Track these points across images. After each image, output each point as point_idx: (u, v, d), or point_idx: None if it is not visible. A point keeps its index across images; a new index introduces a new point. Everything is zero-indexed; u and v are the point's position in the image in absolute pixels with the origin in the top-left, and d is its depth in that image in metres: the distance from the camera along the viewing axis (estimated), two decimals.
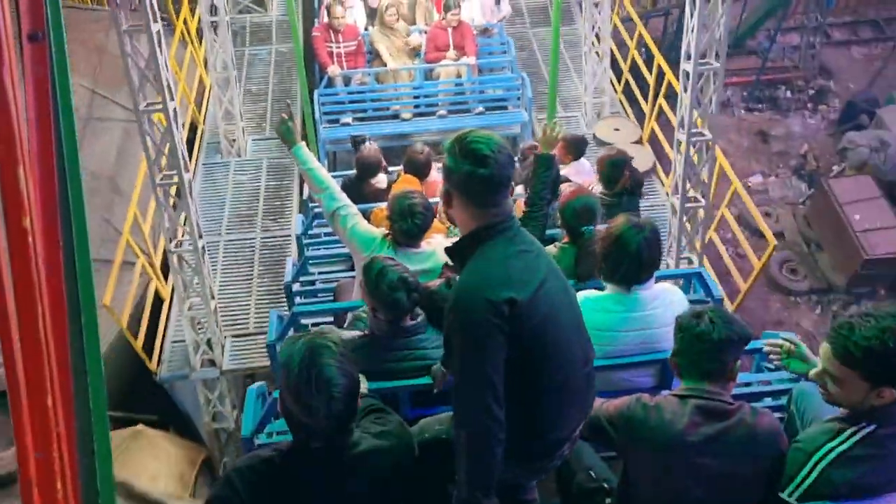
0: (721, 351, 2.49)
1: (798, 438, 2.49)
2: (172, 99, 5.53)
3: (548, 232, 4.58)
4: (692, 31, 5.60)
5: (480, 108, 8.62)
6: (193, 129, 8.68)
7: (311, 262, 5.49)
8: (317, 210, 6.17)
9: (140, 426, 6.08)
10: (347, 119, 8.44)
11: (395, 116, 8.62)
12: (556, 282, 2.41)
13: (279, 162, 8.33)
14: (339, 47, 8.42)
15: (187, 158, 5.73)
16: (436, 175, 5.76)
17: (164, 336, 6.50)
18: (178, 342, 6.42)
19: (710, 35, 5.61)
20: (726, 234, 8.35)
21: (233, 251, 7.36)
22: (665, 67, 7.71)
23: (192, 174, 8.05)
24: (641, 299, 3.22)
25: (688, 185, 6.14)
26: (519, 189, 5.22)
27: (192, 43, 8.75)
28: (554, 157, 4.18)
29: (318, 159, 7.43)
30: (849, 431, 2.34)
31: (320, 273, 5.57)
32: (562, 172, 5.43)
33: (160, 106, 5.44)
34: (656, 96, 8.04)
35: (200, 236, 5.97)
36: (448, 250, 2.45)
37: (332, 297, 5.02)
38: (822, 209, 10.24)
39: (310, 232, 6.05)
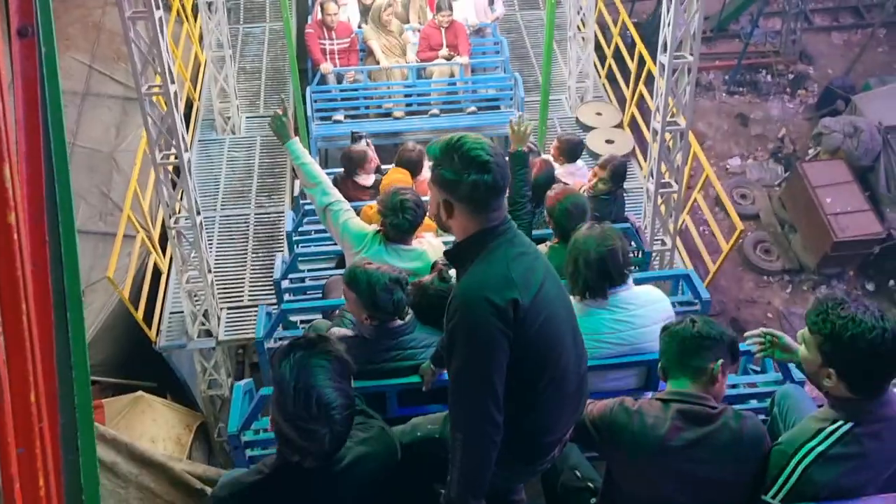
0: (700, 347, 2.50)
1: (780, 440, 2.48)
2: (173, 82, 5.78)
3: (535, 233, 4.60)
4: (668, 25, 5.91)
5: (473, 108, 8.67)
6: (189, 104, 8.92)
7: (300, 259, 5.51)
8: (307, 207, 6.14)
9: (140, 392, 6.43)
10: (339, 116, 8.45)
11: (388, 115, 8.64)
12: (553, 284, 2.41)
13: (272, 140, 8.55)
14: (332, 44, 8.43)
15: (186, 139, 6.00)
16: (427, 173, 5.71)
17: (162, 307, 6.82)
18: (177, 313, 6.74)
19: (684, 29, 5.93)
20: (703, 215, 8.69)
21: (228, 226, 7.66)
22: (645, 55, 8.01)
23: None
24: (621, 301, 3.25)
25: (663, 171, 6.49)
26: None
27: (187, 21, 8.94)
28: (527, 153, 4.21)
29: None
30: (827, 430, 2.34)
31: (310, 270, 5.58)
32: (556, 173, 5.52)
33: (161, 89, 5.71)
34: (637, 82, 8.33)
35: (198, 213, 6.25)
36: (448, 255, 2.44)
37: (321, 295, 4.97)
38: (796, 192, 10.60)
39: (300, 229, 6.05)
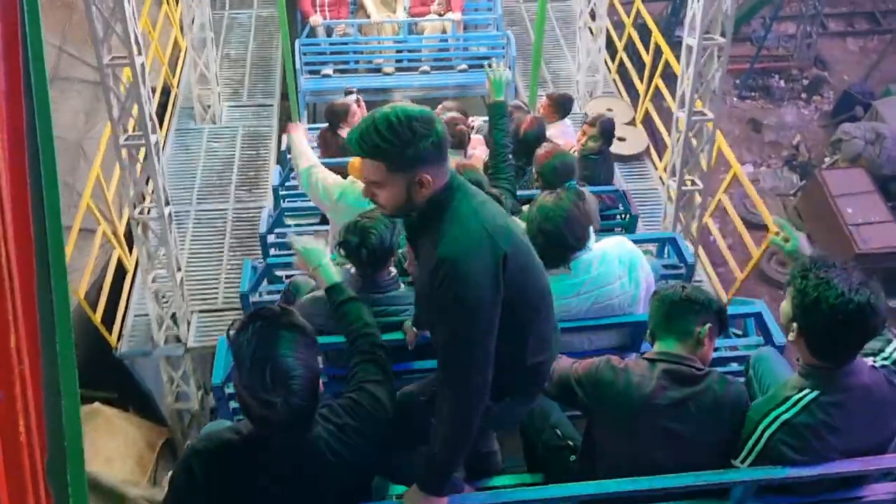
0: (687, 310, 2.53)
1: (751, 405, 2.50)
2: (140, 53, 5.12)
3: (524, 193, 4.53)
4: (697, 1, 5.28)
5: (464, 66, 8.53)
6: (167, 93, 8.26)
7: (287, 213, 5.42)
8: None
9: (96, 404, 5.72)
10: (328, 71, 8.30)
11: (378, 70, 8.50)
12: (516, 227, 2.44)
13: (256, 130, 7.94)
14: None
15: (155, 118, 5.33)
16: None
17: (125, 309, 6.11)
18: (141, 316, 6.03)
19: (716, 7, 5.29)
20: (719, 223, 8.08)
21: (203, 222, 6.97)
22: (663, 45, 7.40)
23: (162, 138, 7.71)
24: (583, 263, 3.19)
25: (684, 168, 5.85)
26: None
27: (167, 3, 8.29)
28: (504, 103, 4.05)
29: (298, 112, 7.68)
30: (794, 399, 2.36)
31: (296, 225, 5.52)
32: (547, 133, 5.36)
33: (126, 60, 5.03)
34: (652, 76, 7.72)
35: (167, 203, 5.58)
36: (411, 229, 2.36)
37: None
38: (813, 201, 10.01)
39: (287, 183, 5.95)
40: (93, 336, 5.80)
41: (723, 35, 5.37)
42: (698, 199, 5.99)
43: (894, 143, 9.77)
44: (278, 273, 4.34)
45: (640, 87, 8.01)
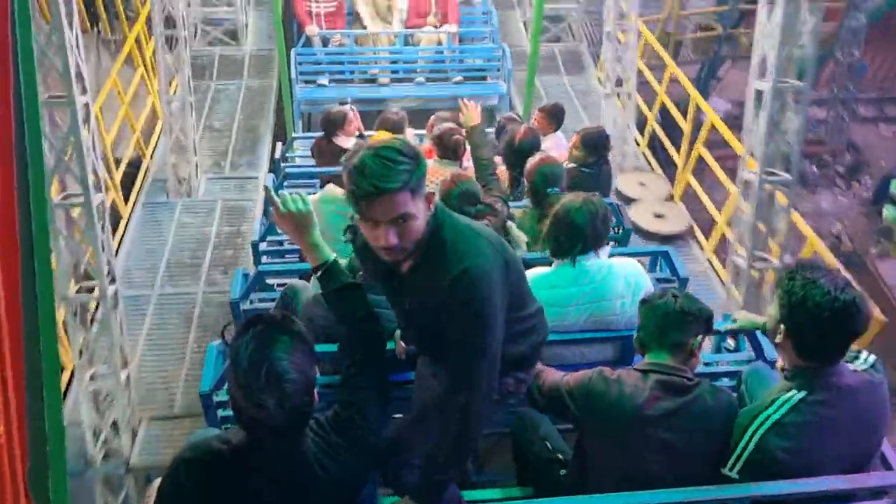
0: (682, 322, 2.51)
1: (740, 413, 2.48)
2: (84, 92, 4.14)
3: (517, 204, 4.57)
4: (769, 36, 4.34)
5: (459, 77, 8.54)
6: (137, 165, 7.30)
7: None
8: (288, 170, 6.12)
9: None
10: (324, 80, 8.34)
11: (373, 81, 8.54)
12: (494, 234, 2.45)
13: (237, 204, 6.91)
14: (318, 7, 8.36)
15: (101, 172, 4.28)
16: (410, 135, 5.82)
17: None
18: (73, 425, 4.77)
19: (792, 45, 4.35)
20: None
21: (167, 307, 5.81)
22: (706, 108, 6.47)
23: (127, 213, 6.66)
24: (587, 270, 3.16)
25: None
26: (497, 159, 5.03)
27: (144, 65, 7.43)
28: (477, 126, 4.40)
29: (293, 120, 7.95)
30: (781, 399, 2.34)
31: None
32: (543, 146, 5.24)
33: (65, 98, 4.04)
34: (692, 144, 6.76)
35: (113, 280, 4.48)
36: (417, 258, 2.30)
37: (298, 258, 4.79)
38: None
39: (280, 192, 5.03)
40: None
41: (802, 78, 4.41)
42: (772, 277, 4.89)
43: None
44: (270, 282, 4.25)
45: (678, 159, 7.03)
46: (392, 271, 2.33)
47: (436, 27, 8.47)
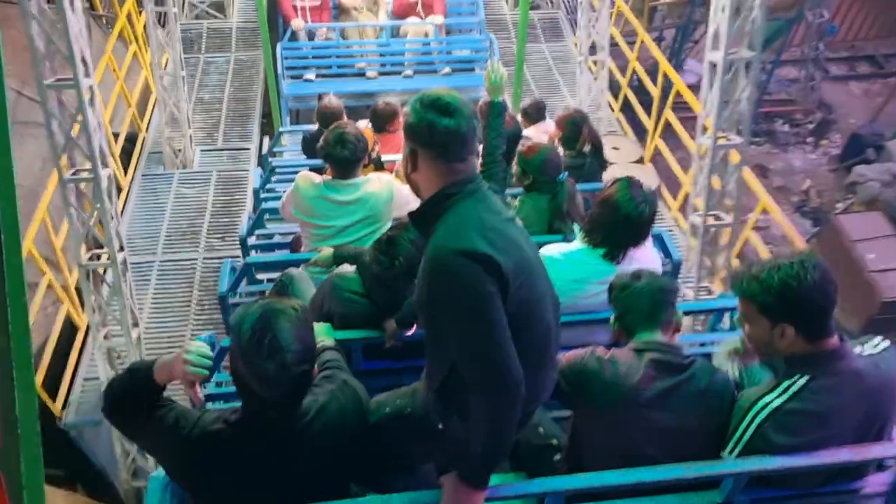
0: (666, 300, 2.56)
1: (740, 394, 2.47)
2: (89, 75, 4.49)
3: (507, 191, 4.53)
4: (723, 10, 4.71)
5: (447, 69, 8.54)
6: (132, 139, 7.63)
7: (267, 215, 5.31)
8: (275, 164, 6.19)
9: None
10: (311, 75, 8.30)
11: (361, 74, 8.51)
12: (530, 247, 2.33)
13: (231, 175, 7.27)
14: (303, 1, 8.27)
15: (106, 149, 4.65)
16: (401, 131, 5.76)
17: (74, 372, 5.30)
18: (91, 380, 5.23)
19: (743, 18, 4.72)
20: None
21: (169, 272, 6.22)
22: (673, 75, 6.85)
23: (127, 184, 7.02)
24: (627, 258, 3.21)
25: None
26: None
27: (136, 41, 7.72)
28: (503, 104, 3.82)
29: (280, 116, 7.85)
30: (784, 385, 2.32)
31: (278, 228, 5.48)
32: (528, 133, 5.26)
33: (71, 81, 4.39)
34: (661, 109, 7.15)
35: (122, 248, 4.87)
36: (413, 217, 2.29)
37: (289, 251, 4.84)
38: (830, 248, 9.38)
39: (267, 186, 5.92)
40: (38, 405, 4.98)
41: (751, 48, 4.79)
42: (725, 237, 5.32)
43: None
44: (259, 276, 4.33)
45: (649, 124, 7.42)
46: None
47: (422, 18, 8.45)
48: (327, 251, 3.70)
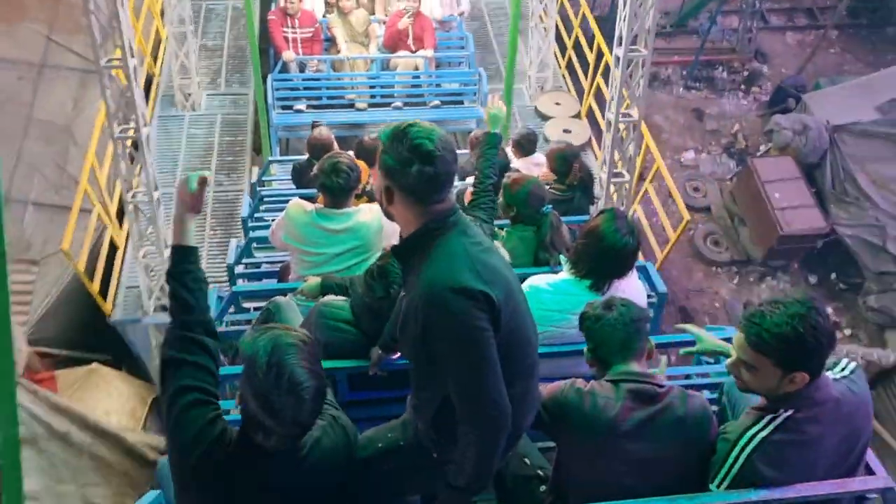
0: (639, 329, 2.58)
1: (725, 428, 2.51)
2: (133, 56, 5.80)
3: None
4: (624, 20, 6.09)
5: (437, 102, 8.62)
6: (148, 79, 8.87)
7: (255, 244, 5.50)
8: (263, 193, 6.28)
9: (94, 365, 6.45)
10: (301, 106, 8.35)
11: (351, 106, 8.56)
12: (510, 272, 2.37)
13: (233, 118, 8.60)
14: (294, 33, 8.35)
15: (146, 115, 6.01)
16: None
17: (118, 281, 6.82)
18: (132, 287, 6.77)
19: (640, 24, 6.10)
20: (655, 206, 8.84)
21: None
22: (604, 47, 8.18)
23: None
24: (612, 287, 3.23)
25: (616, 160, 6.69)
26: (470, 179, 5.03)
27: None
28: (500, 136, 3.98)
29: (270, 146, 8.00)
30: (768, 417, 2.38)
31: (266, 257, 5.61)
32: (518, 166, 5.45)
33: (121, 63, 5.71)
34: (595, 73, 8.51)
35: (156, 188, 6.29)
36: (396, 250, 2.34)
37: (277, 280, 4.93)
38: (746, 186, 10.88)
39: (256, 215, 6.07)
40: (89, 305, 6.53)
41: (646, 48, 6.20)
42: (626, 187, 6.85)
43: (818, 134, 10.63)
44: (246, 305, 4.36)
45: (585, 84, 8.80)
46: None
47: (412, 52, 8.53)
48: (314, 280, 3.72)
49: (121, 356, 7.01)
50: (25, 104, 7.95)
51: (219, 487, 2.16)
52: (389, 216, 2.30)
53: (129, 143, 6.06)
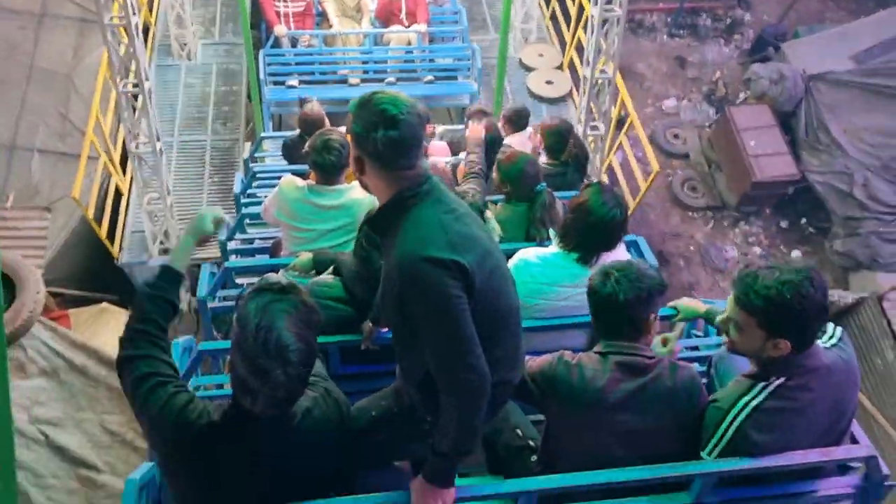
0: (631, 310, 2.53)
1: (715, 396, 2.52)
2: (135, 14, 6.13)
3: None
4: None
5: (430, 77, 8.57)
6: (144, 29, 9.13)
7: (248, 220, 5.57)
8: (256, 170, 6.39)
9: (104, 304, 6.94)
10: (293, 81, 8.25)
11: (343, 81, 8.48)
12: (486, 235, 2.40)
13: (228, 68, 8.91)
14: (286, 7, 8.33)
15: (148, 69, 6.37)
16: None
17: (124, 226, 7.27)
18: (138, 232, 7.23)
19: None
20: (637, 152, 9.22)
21: (186, 151, 8.06)
22: (584, 1, 8.47)
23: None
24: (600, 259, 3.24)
25: (592, 112, 7.11)
26: (462, 154, 5.03)
27: None
28: (500, 139, 4.21)
29: (262, 122, 7.93)
30: (760, 385, 2.40)
31: (259, 233, 5.63)
32: (510, 142, 5.48)
33: (124, 21, 6.05)
34: (577, 26, 8.81)
35: (158, 139, 6.69)
36: (371, 222, 2.38)
37: (268, 256, 4.92)
38: (723, 133, 11.25)
39: (248, 191, 6.17)
40: (99, 248, 7.00)
41: (620, 6, 6.55)
42: (600, 140, 7.28)
43: (794, 83, 10.98)
44: (239, 281, 4.39)
45: (567, 37, 9.10)
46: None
47: (405, 26, 8.39)
48: (306, 256, 3.74)
49: (128, 297, 7.49)
50: (27, 53, 8.26)
51: (204, 459, 2.17)
52: (365, 187, 2.34)
53: (131, 95, 6.42)
